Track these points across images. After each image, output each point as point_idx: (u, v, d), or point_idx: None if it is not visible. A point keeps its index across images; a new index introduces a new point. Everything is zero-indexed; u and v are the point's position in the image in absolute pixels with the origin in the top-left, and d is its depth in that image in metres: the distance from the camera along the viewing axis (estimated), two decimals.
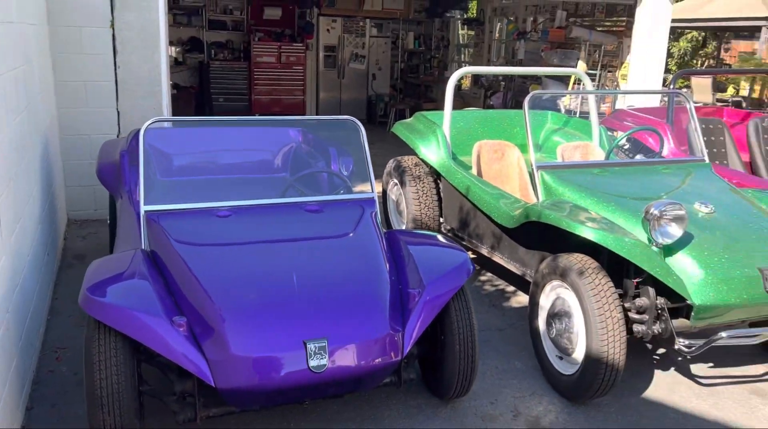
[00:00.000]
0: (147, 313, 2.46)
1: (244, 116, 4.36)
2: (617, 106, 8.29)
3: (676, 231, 3.00)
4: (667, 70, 17.15)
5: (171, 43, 12.02)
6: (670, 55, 18.26)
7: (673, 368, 3.60)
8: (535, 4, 10.29)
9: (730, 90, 14.95)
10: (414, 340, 2.73)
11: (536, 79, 9.30)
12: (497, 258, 4.25)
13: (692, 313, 3.04)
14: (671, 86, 5.65)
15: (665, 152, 5.38)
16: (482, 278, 4.86)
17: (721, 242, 3.12)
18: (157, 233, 3.03)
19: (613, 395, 3.25)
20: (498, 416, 3.09)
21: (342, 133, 3.81)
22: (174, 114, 6.92)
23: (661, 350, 3.79)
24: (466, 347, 2.92)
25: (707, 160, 4.08)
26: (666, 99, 6.89)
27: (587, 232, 3.07)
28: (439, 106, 12.16)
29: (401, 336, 2.71)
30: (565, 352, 3.20)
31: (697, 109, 7.33)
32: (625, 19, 8.80)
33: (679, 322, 3.15)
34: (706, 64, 18.12)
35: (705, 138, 5.42)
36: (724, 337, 3.02)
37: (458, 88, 13.29)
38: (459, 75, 4.87)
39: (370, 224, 3.31)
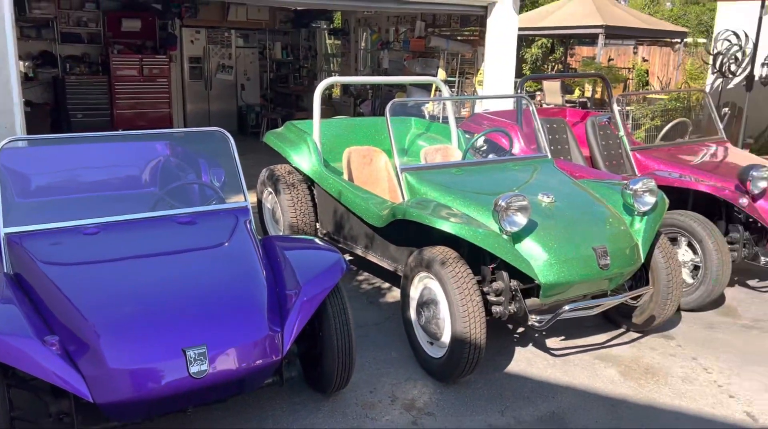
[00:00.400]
0: (15, 335, 2.42)
1: (107, 132, 4.26)
2: (476, 111, 8.88)
3: (521, 219, 3.36)
4: (522, 75, 18.50)
5: (20, 58, 11.26)
6: (523, 60, 19.66)
7: (531, 344, 4.00)
8: (396, 15, 10.76)
9: (577, 92, 16.39)
10: (293, 338, 2.87)
11: (402, 88, 9.73)
12: (371, 257, 4.47)
13: (540, 292, 3.42)
14: (519, 90, 6.19)
15: (516, 150, 5.90)
16: (359, 278, 5.08)
17: (561, 227, 3.54)
18: (20, 255, 2.95)
19: (479, 373, 3.57)
20: (377, 403, 3.30)
21: (211, 144, 3.86)
22: (29, 133, 6.54)
23: (521, 329, 4.19)
24: (343, 341, 3.10)
25: (550, 156, 4.55)
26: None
27: (446, 226, 3.36)
28: (310, 115, 12.29)
29: (280, 336, 2.84)
30: (434, 337, 3.48)
31: (545, 110, 8.05)
32: (478, 28, 9.44)
33: (531, 301, 3.53)
34: (555, 68, 19.68)
35: (550, 136, 6.01)
36: (567, 310, 3.44)
37: (329, 96, 13.54)
38: (325, 85, 5.06)
39: (244, 232, 3.41)
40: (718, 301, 4.65)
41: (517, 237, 3.43)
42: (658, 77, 18.50)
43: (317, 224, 5.11)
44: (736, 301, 4.76)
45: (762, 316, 4.48)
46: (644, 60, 18.97)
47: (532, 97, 16.92)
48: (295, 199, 5.07)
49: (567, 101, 15.76)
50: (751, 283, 5.12)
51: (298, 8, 8.59)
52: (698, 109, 10.07)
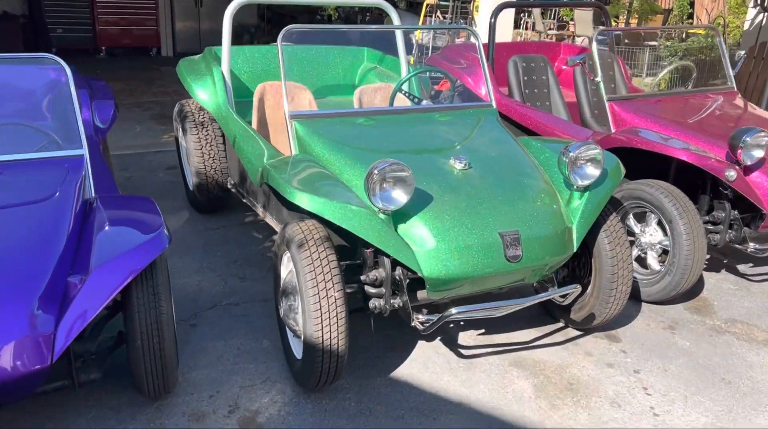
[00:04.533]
0: None
1: None
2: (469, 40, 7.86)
3: (400, 196, 2.57)
4: None
5: None
6: None
7: (439, 337, 3.28)
8: None
9: (611, 23, 14.87)
10: (70, 339, 2.22)
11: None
12: (269, 219, 3.74)
13: (426, 286, 2.68)
14: (493, 19, 5.19)
15: (483, 93, 5.00)
16: (270, 243, 4.39)
17: (463, 204, 2.73)
18: None
19: (359, 376, 2.90)
20: (210, 413, 2.66)
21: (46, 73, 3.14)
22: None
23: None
24: (150, 342, 2.43)
25: (494, 105, 3.68)
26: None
27: (303, 200, 2.59)
28: None
29: (53, 336, 2.20)
30: (295, 334, 2.79)
31: (534, 44, 7.00)
32: None
33: (422, 294, 2.79)
34: None
35: (525, 77, 5.07)
36: (454, 314, 2.68)
37: (329, 18, 12.49)
38: (237, 5, 4.20)
39: (64, 191, 2.73)
40: (691, 291, 3.83)
41: (402, 215, 2.66)
42: (706, 10, 16.65)
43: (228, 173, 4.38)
44: (715, 291, 3.93)
45: (740, 317, 3.65)
46: None
47: (563, 26, 15.51)
48: (203, 141, 4.34)
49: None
50: (742, 268, 4.25)
51: None
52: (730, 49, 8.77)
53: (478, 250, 2.63)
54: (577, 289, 2.94)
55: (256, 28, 11.93)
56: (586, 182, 2.91)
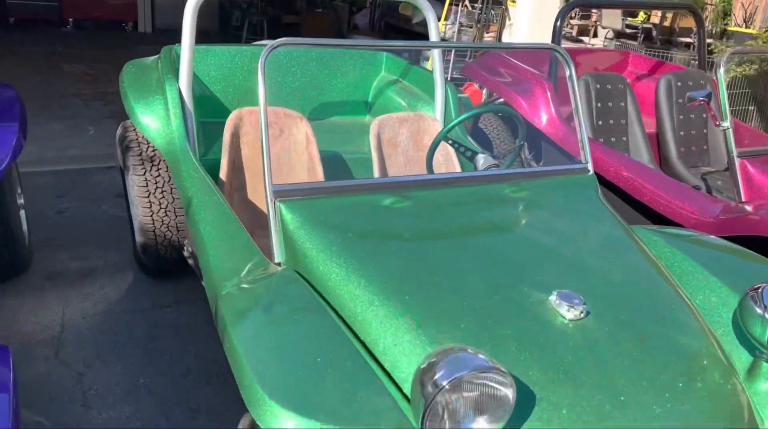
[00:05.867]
0: None
1: None
2: (505, 39, 6.54)
3: (481, 426, 1.29)
4: None
5: None
6: None
7: None
8: None
9: (641, 15, 13.57)
10: None
11: None
12: None
13: None
14: (559, 22, 3.86)
15: (544, 124, 3.72)
16: None
17: (591, 416, 1.46)
18: None
19: None
20: None
21: None
22: None
23: None
24: None
25: (591, 170, 2.39)
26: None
27: (285, 423, 1.29)
28: (299, 20, 9.96)
29: None
30: None
31: (594, 52, 5.70)
32: None
33: None
34: None
35: (598, 103, 3.78)
36: None
37: None
38: None
39: None
40: None
41: None
42: (742, 4, 15.24)
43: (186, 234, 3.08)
44: None
45: None
46: None
47: (587, 16, 14.09)
48: (152, 185, 3.04)
49: (627, 26, 13.07)
50: None
51: None
52: None
53: None
54: None
55: (249, 5, 10.49)
56: None
